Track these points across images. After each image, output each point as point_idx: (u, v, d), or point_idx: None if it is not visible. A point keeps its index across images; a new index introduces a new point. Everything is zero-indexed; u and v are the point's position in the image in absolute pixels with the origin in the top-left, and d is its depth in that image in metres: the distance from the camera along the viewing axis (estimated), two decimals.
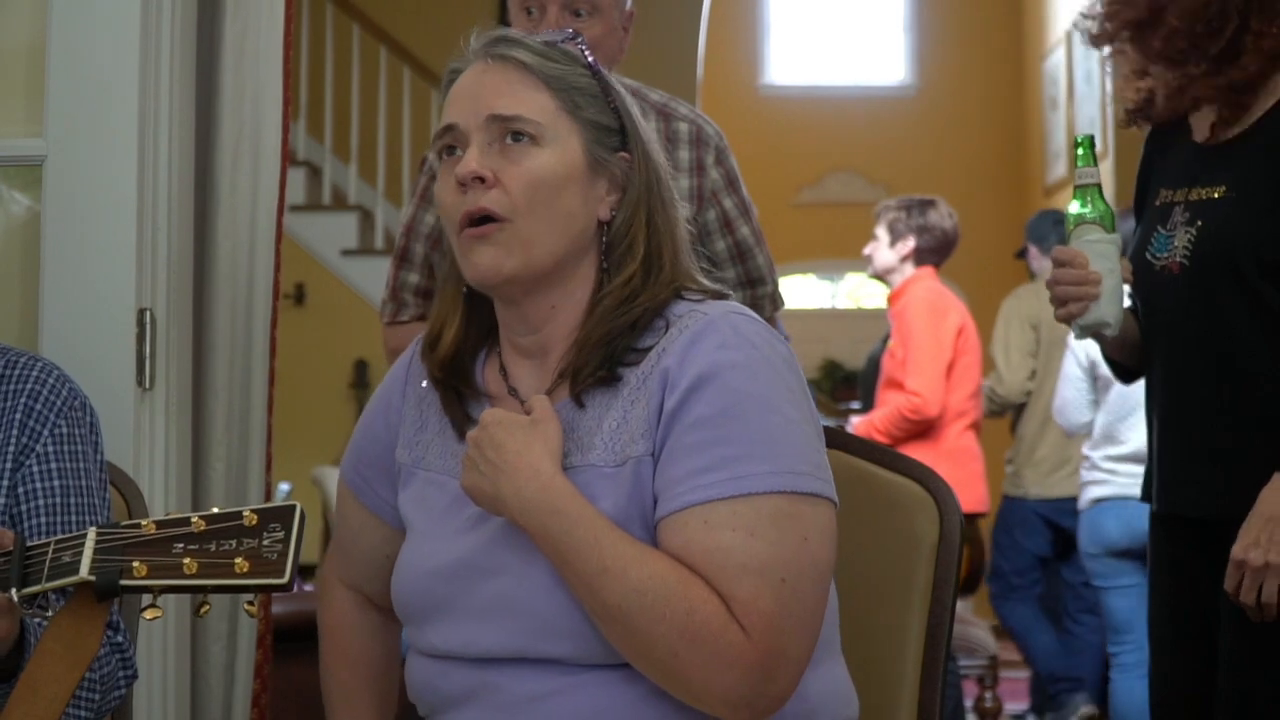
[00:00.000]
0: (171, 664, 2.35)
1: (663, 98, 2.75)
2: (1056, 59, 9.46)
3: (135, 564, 1.45)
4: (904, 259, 4.91)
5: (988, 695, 5.06)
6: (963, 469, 4.72)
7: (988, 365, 5.26)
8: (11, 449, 1.86)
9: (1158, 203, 2.39)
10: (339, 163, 8.46)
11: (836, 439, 1.78)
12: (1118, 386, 4.22)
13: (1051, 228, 5.55)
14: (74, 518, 1.85)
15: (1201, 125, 2.37)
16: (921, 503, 1.80)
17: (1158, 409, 2.39)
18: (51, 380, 1.92)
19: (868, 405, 5.30)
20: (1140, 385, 2.52)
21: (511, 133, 1.59)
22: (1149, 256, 2.36)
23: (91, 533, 1.48)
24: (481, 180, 1.58)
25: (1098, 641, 5.04)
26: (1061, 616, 5.43)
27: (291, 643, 2.91)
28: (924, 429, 4.73)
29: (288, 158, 2.67)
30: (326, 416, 7.88)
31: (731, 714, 1.49)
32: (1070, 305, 2.28)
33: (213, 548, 1.44)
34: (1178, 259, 2.31)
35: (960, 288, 5.90)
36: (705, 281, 1.66)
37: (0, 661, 1.62)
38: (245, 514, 1.44)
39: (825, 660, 1.61)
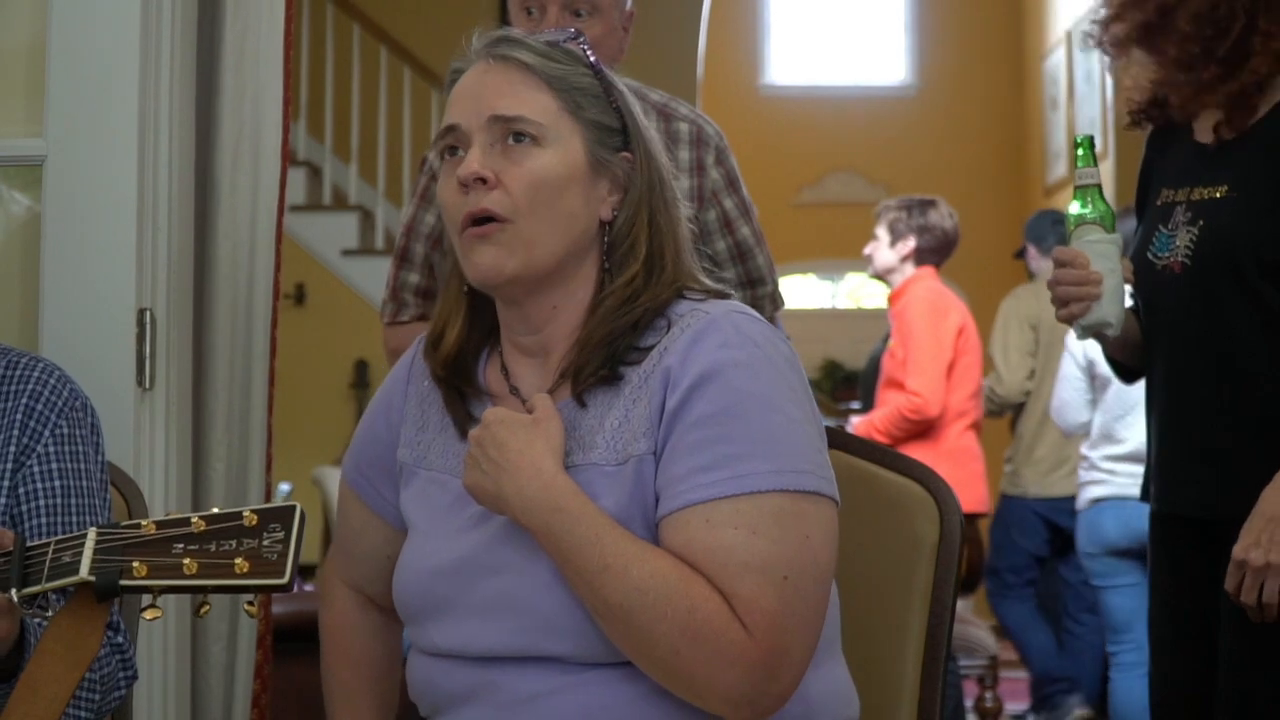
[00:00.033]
0: (172, 664, 2.35)
1: (663, 98, 2.75)
2: (1056, 59, 9.46)
3: (135, 564, 1.45)
4: (904, 259, 4.91)
5: (988, 695, 5.06)
6: (963, 469, 4.72)
7: (987, 365, 5.27)
8: (12, 449, 1.86)
9: (1159, 202, 2.39)
10: (339, 163, 8.46)
11: (837, 439, 1.78)
12: (1115, 385, 4.22)
13: (1050, 228, 5.55)
14: (74, 518, 1.85)
15: (1204, 125, 2.37)
16: (922, 503, 1.80)
17: (1158, 408, 2.39)
18: (53, 381, 1.92)
19: (868, 405, 5.30)
20: (1138, 383, 2.52)
21: (513, 133, 1.59)
22: (1150, 256, 2.36)
23: (91, 533, 1.48)
24: (483, 181, 1.58)
25: (1098, 641, 5.04)
26: (1061, 616, 5.43)
27: (292, 643, 2.91)
28: (924, 429, 4.73)
29: (288, 158, 2.66)
30: (327, 416, 7.88)
31: (733, 712, 1.49)
32: (1072, 306, 2.28)
33: (213, 548, 1.43)
34: (1179, 258, 2.31)
35: (960, 288, 5.90)
36: (707, 281, 1.66)
37: (0, 662, 1.62)
38: (245, 514, 1.44)
39: (826, 660, 1.61)
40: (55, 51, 2.29)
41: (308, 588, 4.58)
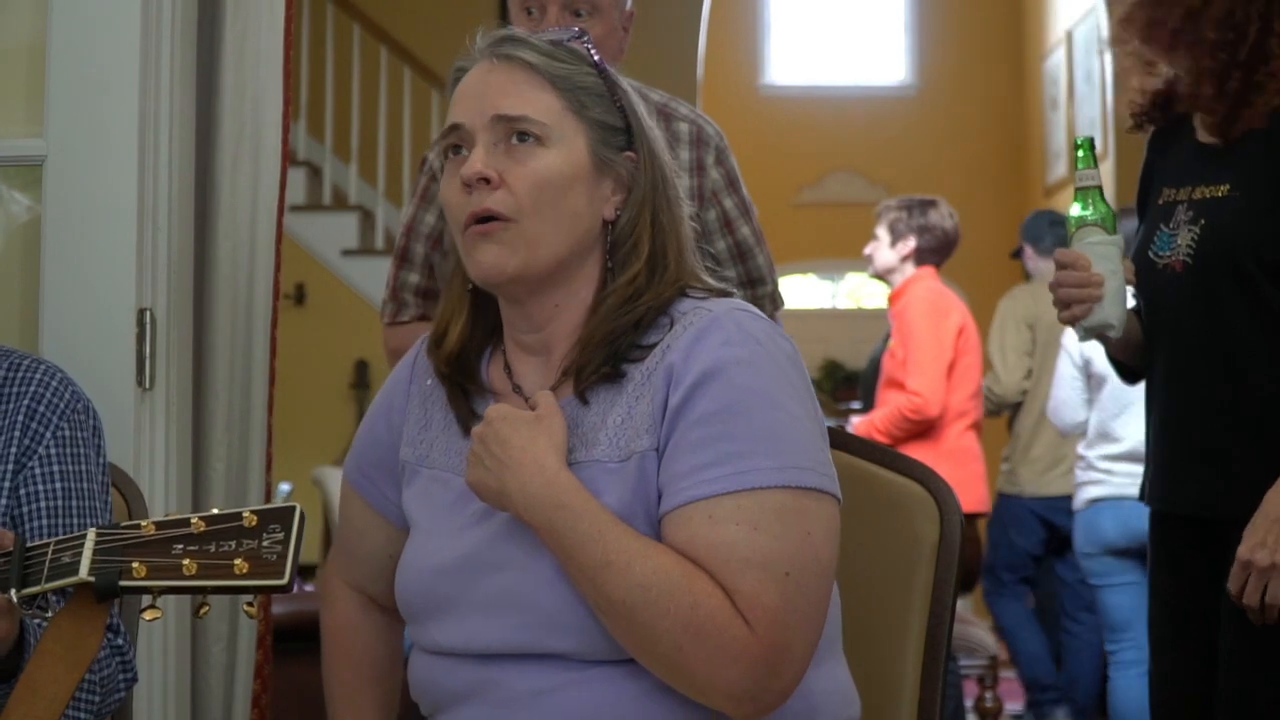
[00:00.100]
0: (172, 665, 2.35)
1: (663, 98, 2.75)
2: (1056, 59, 9.46)
3: (135, 565, 1.44)
4: (905, 259, 4.91)
5: (988, 695, 5.06)
6: (963, 469, 4.72)
7: (986, 365, 5.27)
8: (13, 451, 1.86)
9: (1161, 201, 2.39)
10: (339, 163, 8.46)
11: (837, 439, 1.78)
12: (1110, 384, 4.22)
13: (1046, 228, 5.55)
14: (75, 520, 1.85)
15: (1206, 124, 2.37)
16: (922, 503, 1.80)
17: (1158, 407, 2.39)
18: (54, 383, 1.92)
19: (868, 405, 5.31)
20: (1137, 383, 2.52)
21: (517, 133, 1.60)
22: (1152, 255, 2.36)
23: (91, 533, 1.48)
24: (487, 181, 1.58)
25: (1096, 640, 5.04)
26: (1059, 615, 5.43)
27: (292, 643, 2.91)
28: (924, 429, 4.73)
29: (288, 158, 2.66)
30: (327, 417, 7.88)
31: (735, 708, 1.49)
32: (1074, 308, 2.28)
33: (212, 549, 1.43)
34: (1180, 257, 2.31)
35: (960, 288, 5.90)
36: (710, 280, 1.66)
37: (0, 662, 1.62)
38: (245, 515, 1.44)
39: (827, 659, 1.61)
40: (55, 51, 2.29)
41: (308, 588, 4.58)
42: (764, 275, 2.84)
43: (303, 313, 8.02)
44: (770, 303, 2.85)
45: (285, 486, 6.03)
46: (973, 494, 4.77)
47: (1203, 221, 2.30)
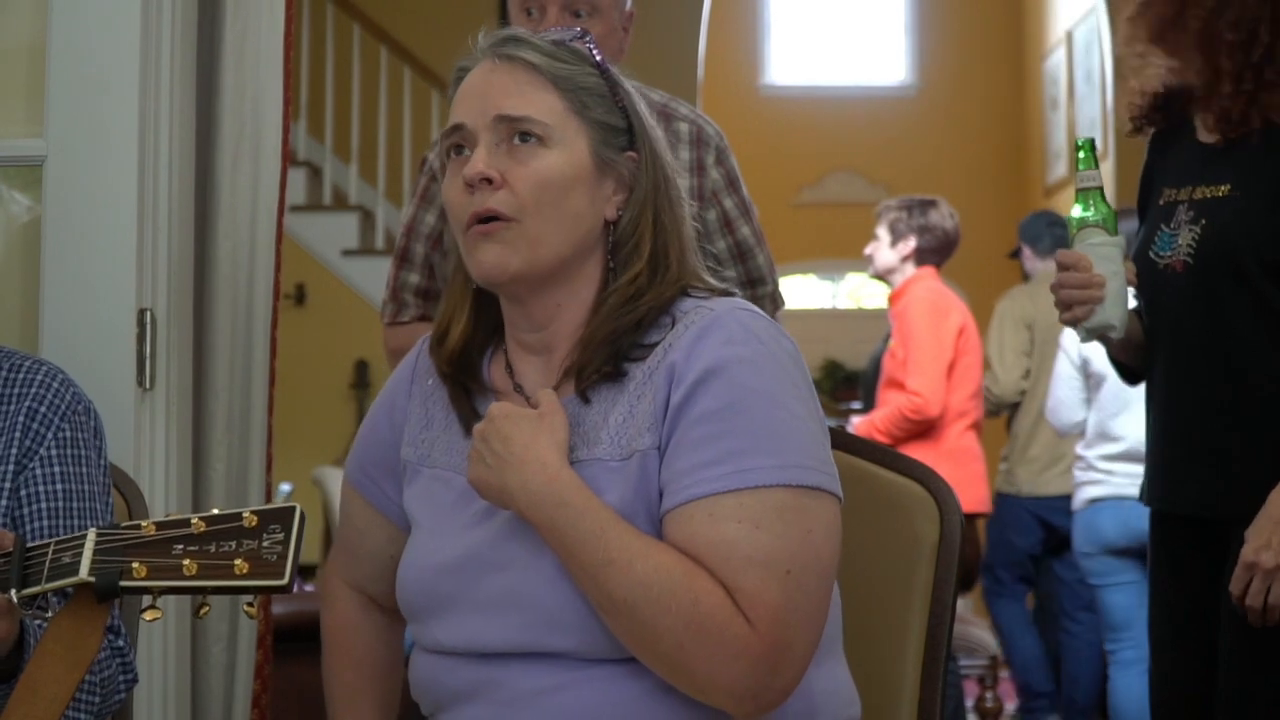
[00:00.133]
0: (172, 665, 2.35)
1: (663, 98, 2.75)
2: (1056, 59, 9.46)
3: (135, 565, 1.44)
4: (905, 259, 4.90)
5: (988, 695, 5.06)
6: (964, 469, 4.72)
7: (984, 365, 5.27)
8: (14, 452, 1.86)
9: (1161, 202, 2.39)
10: (339, 163, 8.46)
11: (838, 439, 1.78)
12: (1109, 383, 4.23)
13: (1045, 229, 5.55)
14: (76, 522, 1.85)
15: (1208, 124, 2.37)
16: (922, 503, 1.80)
17: (1158, 407, 2.39)
18: (56, 385, 1.92)
19: (869, 405, 5.31)
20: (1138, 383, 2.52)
21: (519, 133, 1.60)
22: (1152, 255, 2.36)
23: (91, 534, 1.47)
24: (489, 181, 1.58)
25: (1095, 639, 5.04)
26: (1059, 615, 5.43)
27: (292, 643, 2.91)
28: (925, 429, 4.72)
29: (288, 158, 2.66)
30: (327, 417, 7.88)
31: (736, 706, 1.49)
32: (1075, 309, 2.28)
33: (212, 549, 1.43)
34: (1181, 257, 2.31)
35: (960, 288, 5.90)
36: (711, 280, 1.66)
37: (0, 662, 1.62)
38: (245, 515, 1.44)
39: (828, 659, 1.61)
40: (55, 51, 2.29)
41: (308, 588, 4.58)
42: (764, 275, 2.84)
43: (303, 313, 8.02)
44: (770, 303, 2.85)
45: (285, 487, 6.04)
46: (973, 494, 4.77)
47: (1203, 221, 2.30)
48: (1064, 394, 4.53)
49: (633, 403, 1.56)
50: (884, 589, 1.79)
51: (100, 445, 1.95)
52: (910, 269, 4.90)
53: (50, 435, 1.88)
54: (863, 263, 5.17)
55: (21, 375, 1.91)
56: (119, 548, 1.46)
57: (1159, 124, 2.46)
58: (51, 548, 1.49)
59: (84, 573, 1.46)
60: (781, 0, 11.09)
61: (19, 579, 1.50)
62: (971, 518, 4.75)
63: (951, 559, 1.77)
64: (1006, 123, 10.49)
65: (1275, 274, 2.23)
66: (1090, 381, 4.44)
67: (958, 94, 10.67)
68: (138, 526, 1.46)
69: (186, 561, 1.43)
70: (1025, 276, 5.73)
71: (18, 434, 1.87)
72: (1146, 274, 2.36)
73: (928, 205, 4.94)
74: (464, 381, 1.68)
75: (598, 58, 1.66)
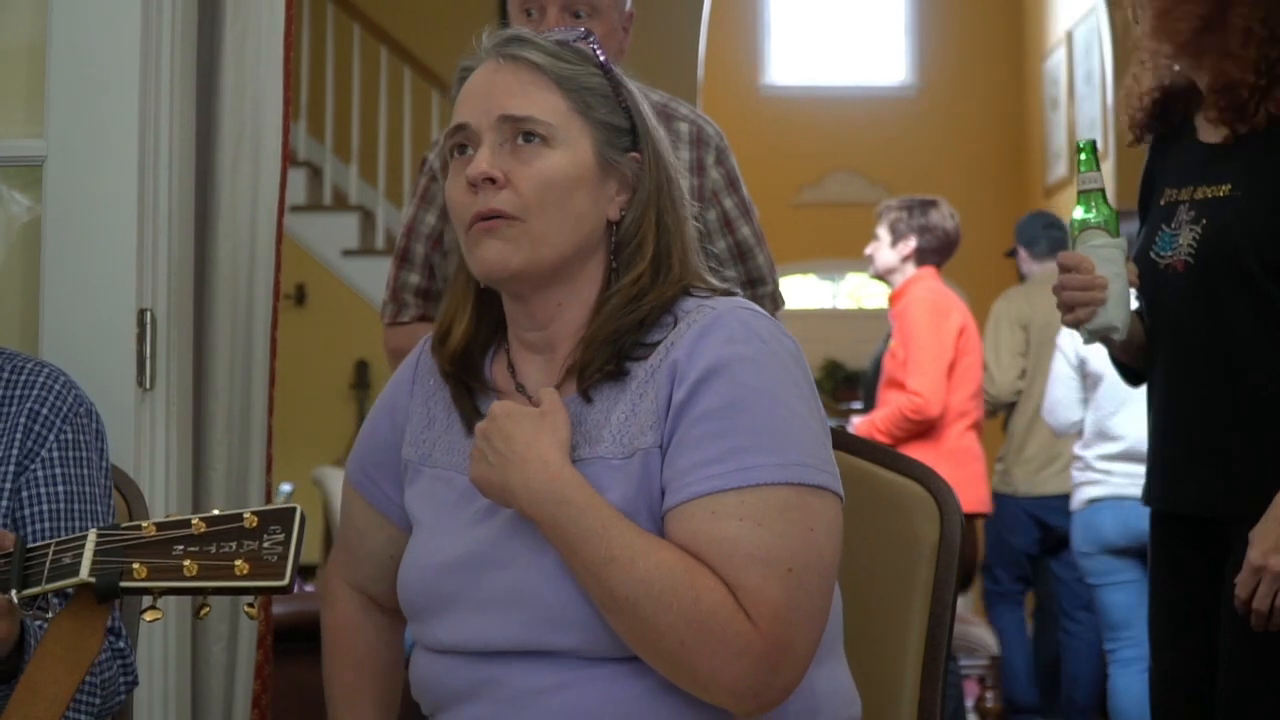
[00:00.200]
0: (172, 665, 2.35)
1: (663, 98, 2.75)
2: (1056, 59, 9.46)
3: (135, 566, 1.44)
4: (905, 259, 4.90)
5: (988, 695, 5.06)
6: (964, 469, 4.72)
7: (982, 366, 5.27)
8: (15, 453, 1.87)
9: (1162, 202, 2.39)
10: (340, 163, 8.46)
11: (838, 439, 1.77)
12: (1106, 382, 4.23)
13: (1041, 231, 5.55)
14: (77, 523, 1.85)
15: (1209, 125, 2.36)
16: (922, 503, 1.80)
17: (1159, 407, 2.39)
18: (57, 386, 1.92)
19: (869, 405, 5.31)
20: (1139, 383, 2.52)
21: (523, 133, 1.60)
22: (1153, 255, 2.36)
23: (92, 534, 1.47)
24: (493, 181, 1.58)
25: (1095, 639, 5.04)
26: (1058, 614, 5.43)
27: (292, 643, 2.91)
28: (925, 429, 4.73)
29: (288, 158, 2.66)
30: (327, 417, 7.88)
31: (738, 704, 1.49)
32: (1077, 311, 2.28)
33: (213, 550, 1.43)
34: (1182, 257, 2.31)
35: (960, 288, 5.90)
36: (713, 281, 1.67)
37: (0, 663, 1.62)
38: (245, 516, 1.44)
39: (829, 659, 1.61)
40: (55, 51, 2.29)
41: (308, 588, 4.58)
42: (764, 275, 2.84)
43: (303, 313, 8.02)
44: (771, 303, 2.85)
45: (286, 487, 6.03)
46: (973, 494, 4.77)
47: (1204, 221, 2.30)
48: (1061, 394, 4.53)
49: (635, 401, 1.57)
50: (884, 589, 1.79)
51: (102, 448, 1.95)
52: (911, 269, 4.90)
53: (52, 437, 1.88)
54: (863, 263, 5.17)
55: (23, 378, 1.91)
56: (119, 548, 1.46)
57: (1158, 130, 2.46)
58: (52, 548, 1.49)
59: (84, 573, 1.46)
60: (781, 0, 11.08)
61: (19, 580, 1.50)
62: (972, 518, 4.75)
63: (951, 559, 1.77)
64: (1006, 123, 10.49)
65: (1276, 274, 2.23)
66: (1087, 381, 4.44)
67: (958, 94, 10.67)
68: (138, 527, 1.46)
69: (187, 562, 1.43)
70: (1021, 278, 5.73)
71: (19, 436, 1.87)
72: (1147, 274, 2.36)
73: (928, 205, 4.94)
74: (466, 381, 1.68)
75: (601, 58, 1.66)
